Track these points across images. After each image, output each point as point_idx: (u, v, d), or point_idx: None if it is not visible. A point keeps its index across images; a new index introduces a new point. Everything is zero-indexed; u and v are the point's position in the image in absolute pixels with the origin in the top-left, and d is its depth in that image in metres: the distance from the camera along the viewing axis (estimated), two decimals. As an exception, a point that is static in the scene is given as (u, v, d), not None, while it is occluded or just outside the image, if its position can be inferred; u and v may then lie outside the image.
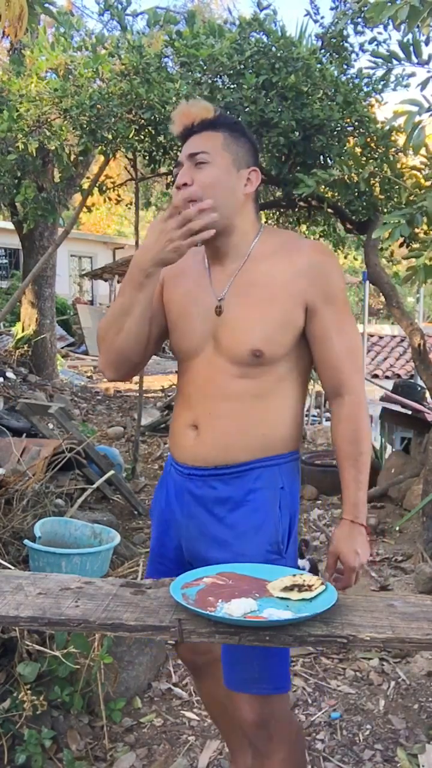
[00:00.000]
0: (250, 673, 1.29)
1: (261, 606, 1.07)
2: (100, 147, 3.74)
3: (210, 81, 3.36)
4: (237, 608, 1.04)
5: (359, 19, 3.81)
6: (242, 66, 3.31)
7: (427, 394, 4.51)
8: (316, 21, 4.06)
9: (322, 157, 3.62)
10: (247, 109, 3.24)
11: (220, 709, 1.68)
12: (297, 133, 3.37)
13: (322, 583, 1.13)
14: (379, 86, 3.57)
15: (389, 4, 1.93)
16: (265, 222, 5.27)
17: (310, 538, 3.71)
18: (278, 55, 3.27)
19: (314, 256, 1.32)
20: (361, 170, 3.02)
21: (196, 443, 1.35)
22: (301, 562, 2.81)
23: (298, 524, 1.42)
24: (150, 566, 1.54)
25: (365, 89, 3.56)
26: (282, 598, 1.10)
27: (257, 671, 1.29)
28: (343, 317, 1.33)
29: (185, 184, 1.29)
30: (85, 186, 4.62)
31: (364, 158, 3.39)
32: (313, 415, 7.89)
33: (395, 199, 3.48)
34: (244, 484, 1.34)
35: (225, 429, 1.33)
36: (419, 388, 4.98)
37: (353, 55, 3.92)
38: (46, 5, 3.79)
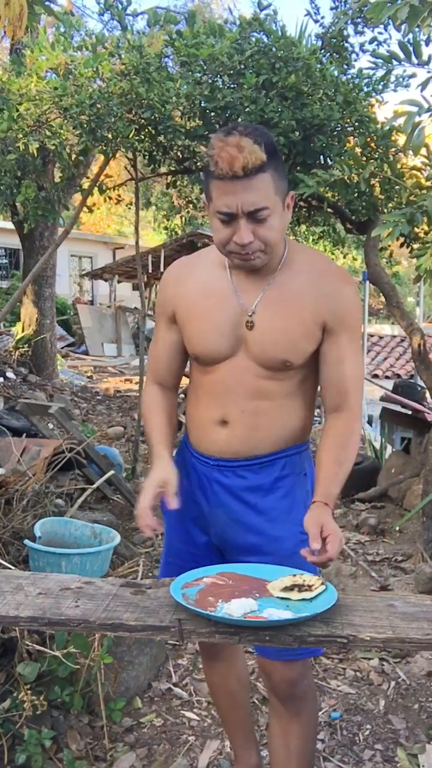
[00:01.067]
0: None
1: (261, 606, 1.07)
2: (100, 147, 3.75)
3: (210, 81, 3.36)
4: (237, 608, 1.04)
5: (359, 19, 3.82)
6: (242, 66, 3.31)
7: (427, 394, 4.51)
8: (316, 21, 4.07)
9: (322, 157, 3.62)
10: (247, 109, 3.24)
11: (229, 701, 1.71)
12: (297, 133, 3.37)
13: (323, 583, 1.13)
14: (379, 86, 3.57)
15: (389, 4, 1.93)
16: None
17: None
18: (278, 55, 3.27)
19: (338, 284, 1.40)
20: (361, 170, 3.02)
21: (228, 438, 1.43)
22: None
23: None
24: (166, 566, 1.56)
25: (365, 89, 3.56)
26: (282, 598, 1.10)
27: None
28: (355, 344, 1.42)
29: (250, 243, 1.27)
30: (85, 186, 4.62)
31: (364, 158, 3.39)
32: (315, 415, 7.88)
33: (395, 200, 3.48)
34: (272, 472, 1.44)
35: (256, 424, 1.42)
36: (419, 388, 4.98)
37: (353, 55, 3.92)
38: (47, 3, 3.78)
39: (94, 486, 3.39)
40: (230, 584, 1.17)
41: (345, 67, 3.84)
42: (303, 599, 1.09)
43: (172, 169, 4.39)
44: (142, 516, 1.30)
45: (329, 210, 4.19)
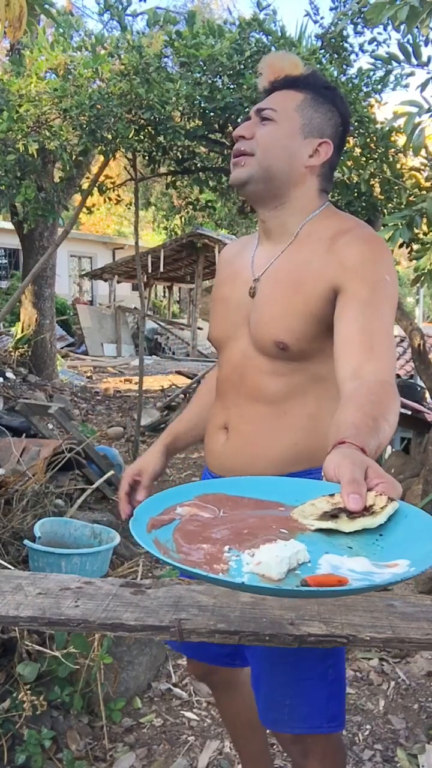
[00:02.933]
0: (280, 712, 1.20)
1: (309, 551, 0.66)
2: (99, 147, 3.75)
3: (210, 81, 3.36)
4: (277, 561, 0.61)
5: (359, 20, 3.82)
6: (242, 66, 3.32)
7: (427, 394, 4.51)
8: (315, 21, 4.08)
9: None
10: (246, 110, 3.25)
11: (234, 730, 1.61)
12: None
13: (390, 499, 0.68)
14: (379, 86, 3.58)
15: (389, 4, 1.94)
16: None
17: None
18: (278, 55, 3.27)
19: (353, 241, 1.12)
20: (361, 171, 3.02)
21: (224, 449, 1.24)
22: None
23: None
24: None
25: (365, 89, 3.57)
26: (326, 531, 0.69)
27: (287, 711, 1.19)
28: (380, 303, 1.07)
29: (242, 137, 1.18)
30: (85, 186, 4.63)
31: (364, 158, 3.39)
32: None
33: (395, 200, 3.48)
34: None
35: (253, 435, 1.20)
36: (419, 388, 4.99)
37: (353, 56, 3.93)
38: (46, 6, 3.79)
39: (94, 486, 3.39)
40: (225, 517, 0.74)
41: (344, 67, 3.85)
42: (366, 529, 0.67)
43: (172, 169, 4.39)
44: (120, 502, 1.32)
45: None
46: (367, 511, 0.67)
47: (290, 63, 1.21)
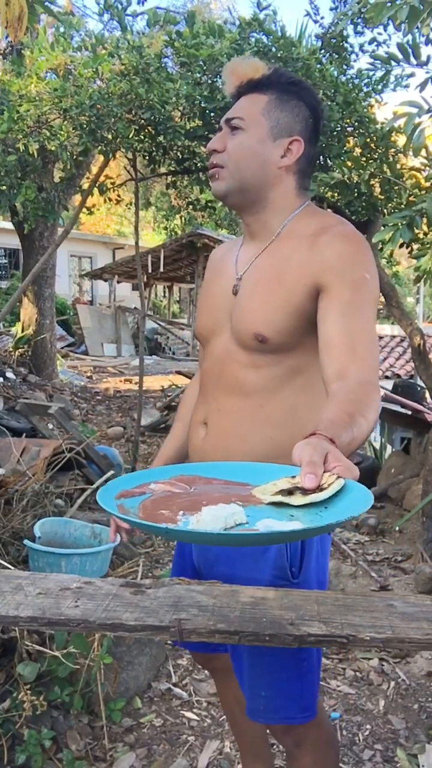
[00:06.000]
0: (256, 703, 1.24)
1: (250, 517, 0.76)
2: (99, 147, 3.75)
3: (210, 81, 3.36)
4: (212, 519, 0.72)
5: (359, 20, 3.82)
6: (242, 66, 3.31)
7: (427, 394, 4.51)
8: (316, 21, 4.08)
9: (321, 158, 3.63)
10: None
11: (233, 717, 1.62)
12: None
13: (338, 477, 0.76)
14: (379, 87, 3.58)
15: (389, 4, 1.94)
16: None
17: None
18: (278, 55, 3.27)
19: (333, 239, 1.14)
20: (361, 171, 3.02)
21: (203, 443, 1.25)
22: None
23: (323, 547, 1.24)
24: (173, 570, 1.51)
25: (365, 89, 3.57)
26: (277, 504, 0.78)
27: (262, 702, 1.23)
28: (361, 302, 1.10)
29: (215, 151, 1.21)
30: (85, 186, 4.63)
31: (364, 159, 3.40)
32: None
33: (395, 200, 3.49)
34: None
35: (229, 428, 1.21)
36: (419, 388, 4.99)
37: (353, 56, 3.93)
38: (47, 4, 3.79)
39: (94, 486, 3.39)
40: (193, 492, 0.84)
41: (344, 67, 3.85)
42: (312, 504, 0.75)
43: (172, 169, 4.39)
44: (111, 523, 1.36)
45: (329, 210, 4.19)
46: (320, 489, 0.75)
47: (251, 67, 1.23)
